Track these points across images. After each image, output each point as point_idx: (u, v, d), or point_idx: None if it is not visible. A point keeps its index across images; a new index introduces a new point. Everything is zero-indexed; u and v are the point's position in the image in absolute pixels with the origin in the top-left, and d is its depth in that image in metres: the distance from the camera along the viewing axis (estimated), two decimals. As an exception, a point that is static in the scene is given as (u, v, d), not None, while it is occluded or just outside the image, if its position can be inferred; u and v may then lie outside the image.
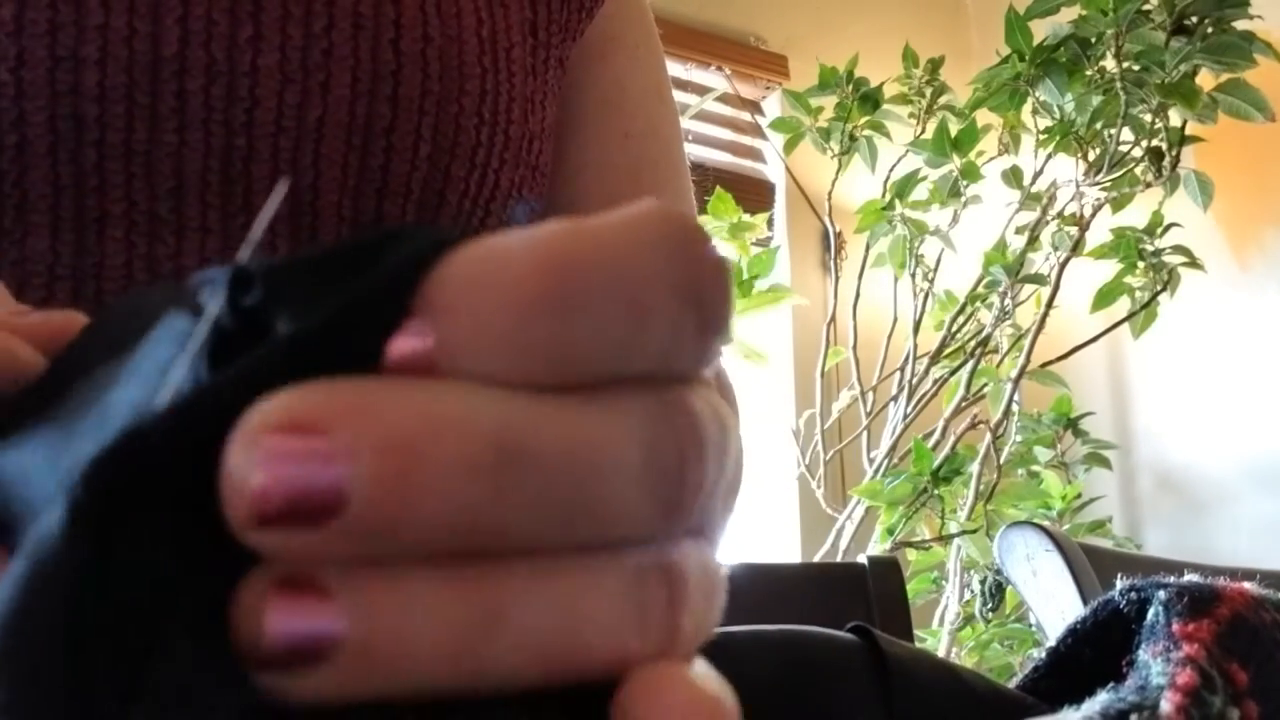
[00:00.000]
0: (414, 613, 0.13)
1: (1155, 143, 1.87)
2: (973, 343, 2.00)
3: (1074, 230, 1.93)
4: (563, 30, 0.51)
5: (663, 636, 0.15)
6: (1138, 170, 1.90)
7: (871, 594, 0.93)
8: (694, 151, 2.23)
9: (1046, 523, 1.49)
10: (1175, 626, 0.21)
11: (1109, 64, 1.84)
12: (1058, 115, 1.91)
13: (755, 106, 2.40)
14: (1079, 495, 1.97)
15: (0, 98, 0.37)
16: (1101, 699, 0.20)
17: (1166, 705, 0.19)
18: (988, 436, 1.90)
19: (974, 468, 1.84)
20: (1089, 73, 1.87)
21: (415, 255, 0.14)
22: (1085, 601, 1.06)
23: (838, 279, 2.25)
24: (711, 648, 0.20)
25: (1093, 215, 1.94)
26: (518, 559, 0.14)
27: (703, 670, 0.15)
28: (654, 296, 0.14)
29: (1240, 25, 1.73)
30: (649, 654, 0.14)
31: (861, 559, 0.97)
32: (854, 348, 2.10)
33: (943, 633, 1.85)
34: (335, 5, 0.41)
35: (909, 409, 2.02)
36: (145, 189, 0.38)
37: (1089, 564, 1.09)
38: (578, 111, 0.52)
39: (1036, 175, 2.00)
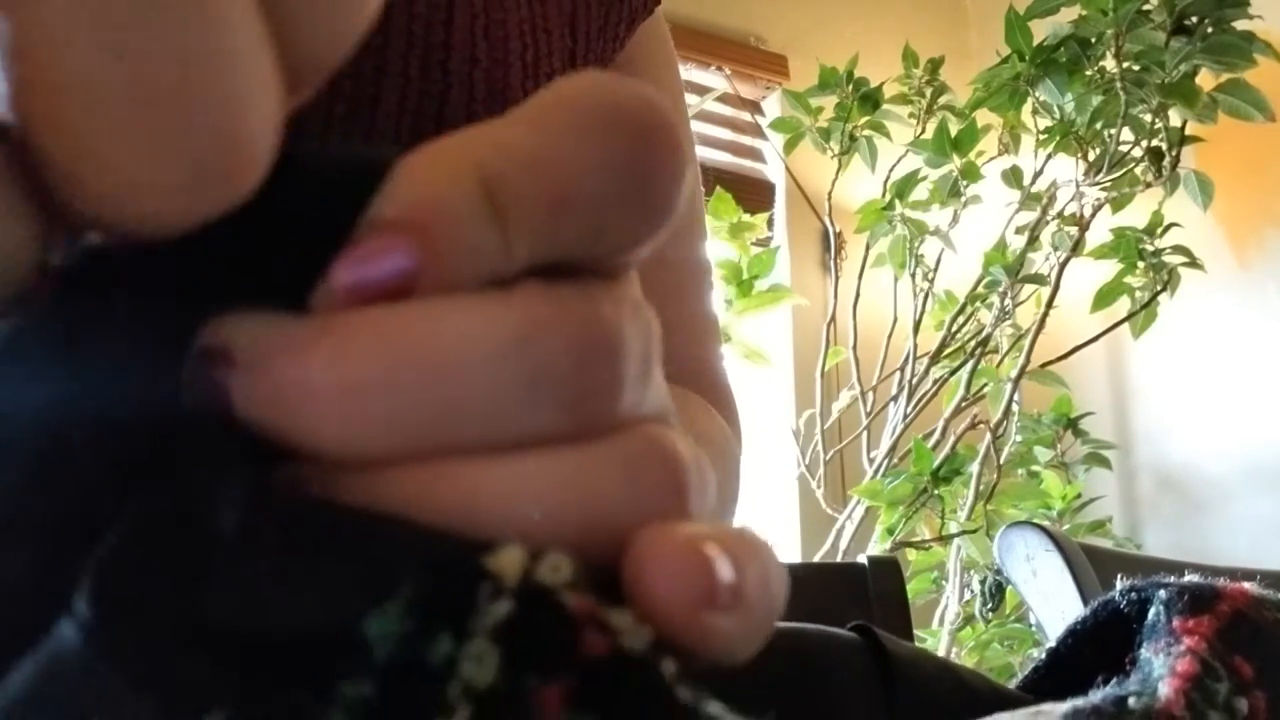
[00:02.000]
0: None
1: (1155, 143, 1.87)
2: (973, 343, 2.00)
3: (1074, 230, 1.93)
4: (598, 60, 0.51)
5: (659, 506, 0.15)
6: (1138, 170, 1.90)
7: (871, 594, 0.93)
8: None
9: (1046, 523, 1.49)
10: (1176, 623, 0.21)
11: (1109, 64, 1.84)
12: (1058, 115, 1.91)
13: (755, 106, 2.40)
14: (1079, 495, 1.97)
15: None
16: (1102, 692, 0.20)
17: (1166, 689, 0.19)
18: (988, 436, 1.90)
19: (974, 468, 1.84)
20: (1089, 73, 1.87)
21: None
22: (1085, 601, 1.06)
23: (838, 279, 2.25)
24: None
25: (1093, 215, 1.94)
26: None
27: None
28: (577, 188, 0.14)
29: (1240, 25, 1.73)
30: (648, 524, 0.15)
31: (861, 559, 0.97)
32: (854, 348, 2.10)
33: (943, 633, 1.85)
34: (390, 22, 0.41)
35: (909, 409, 2.02)
36: None
37: (1089, 564, 1.09)
38: None
39: (1036, 175, 2.00)
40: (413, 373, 0.14)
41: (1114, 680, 0.21)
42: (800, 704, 0.23)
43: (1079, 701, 0.19)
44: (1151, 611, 0.23)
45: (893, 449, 1.98)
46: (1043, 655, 0.29)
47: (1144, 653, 0.22)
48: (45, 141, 0.12)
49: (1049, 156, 1.98)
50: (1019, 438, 2.00)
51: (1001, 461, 1.91)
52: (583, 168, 0.14)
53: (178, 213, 0.13)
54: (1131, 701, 0.18)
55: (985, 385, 1.96)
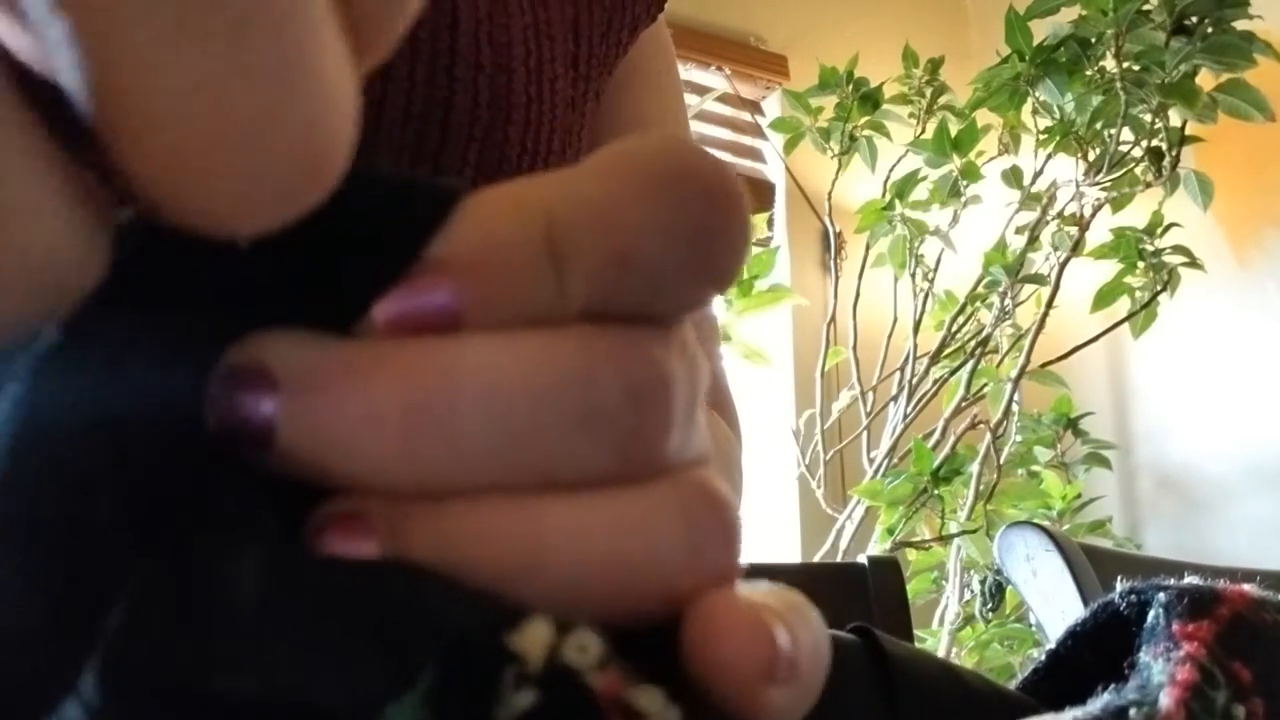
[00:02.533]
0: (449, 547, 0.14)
1: (1155, 143, 1.87)
2: (973, 343, 2.00)
3: (1074, 230, 1.93)
4: (601, 65, 0.51)
5: (715, 558, 0.15)
6: (1138, 170, 1.90)
7: (871, 594, 0.93)
8: (694, 151, 2.22)
9: (1046, 523, 1.49)
10: (1175, 627, 0.21)
11: (1109, 64, 1.84)
12: (1058, 115, 1.91)
13: (755, 106, 2.40)
14: (1079, 495, 1.97)
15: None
16: (1103, 699, 0.20)
17: (1166, 700, 0.19)
18: (988, 436, 1.90)
19: (974, 468, 1.84)
20: (1089, 73, 1.87)
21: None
22: (1085, 602, 1.06)
23: (838, 279, 2.25)
24: None
25: (1093, 215, 1.94)
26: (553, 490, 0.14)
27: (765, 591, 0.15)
28: (639, 246, 0.14)
29: (1240, 25, 1.73)
30: (703, 576, 0.15)
31: (861, 559, 0.97)
32: (854, 348, 2.10)
33: (943, 633, 1.85)
34: None
35: (909, 409, 2.02)
36: None
37: (1089, 564, 1.09)
38: (597, 138, 0.53)
39: (1036, 175, 2.00)
40: (477, 402, 0.13)
41: (1112, 686, 0.21)
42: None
43: (1078, 712, 0.19)
44: (1151, 614, 0.23)
45: (893, 449, 1.98)
46: (1042, 656, 0.29)
47: (1143, 656, 0.22)
48: (131, 157, 0.12)
49: (1049, 156, 1.98)
50: (1019, 438, 2.00)
51: (1001, 461, 1.91)
52: (648, 227, 0.14)
53: (263, 220, 0.12)
54: (1132, 713, 0.18)
55: (985, 385, 1.96)
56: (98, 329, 0.13)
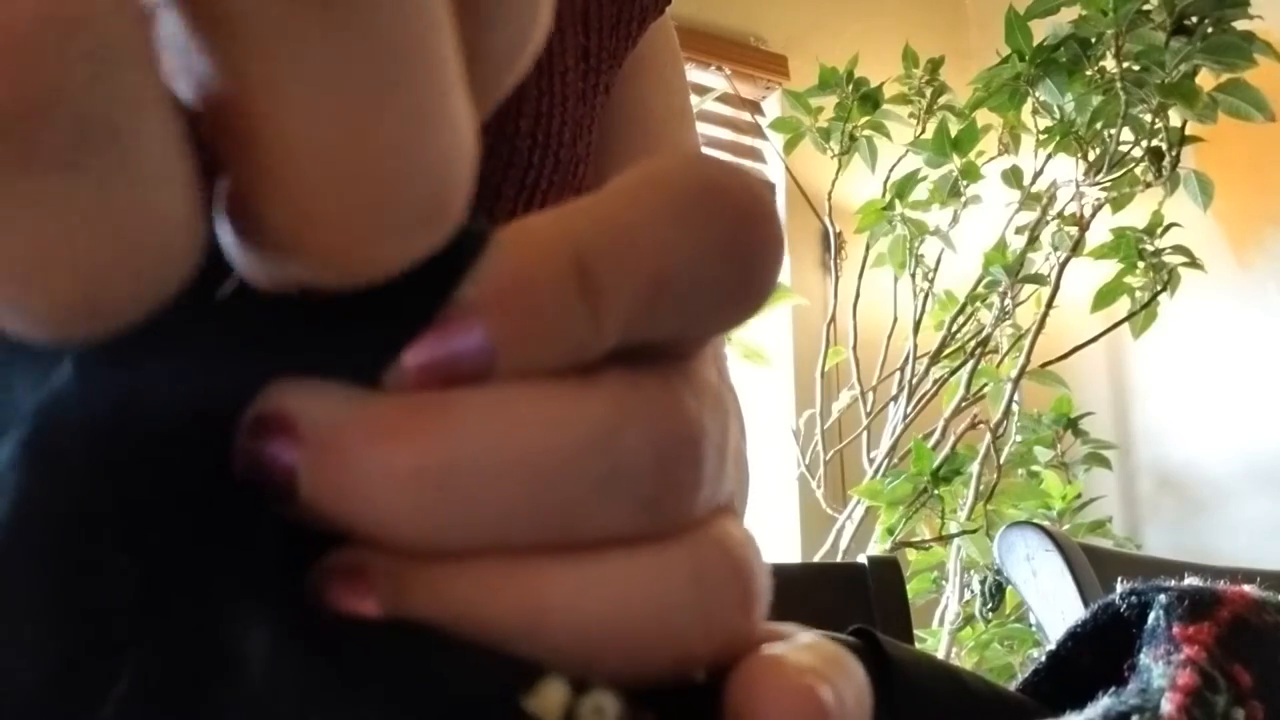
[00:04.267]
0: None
1: (1155, 143, 1.87)
2: (973, 343, 2.00)
3: (1074, 230, 1.93)
4: (611, 57, 0.51)
5: (728, 620, 0.15)
6: (1138, 170, 1.90)
7: (871, 594, 0.93)
8: (694, 151, 2.22)
9: (1046, 523, 1.49)
10: (1176, 630, 0.21)
11: (1109, 64, 1.84)
12: (1058, 115, 1.91)
13: (755, 106, 2.40)
14: (1079, 495, 1.97)
15: None
16: (1103, 703, 0.20)
17: (1168, 706, 0.19)
18: (988, 436, 1.90)
19: (974, 468, 1.84)
20: (1089, 73, 1.87)
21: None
22: (1085, 602, 1.06)
23: (838, 279, 2.25)
24: None
25: (1093, 215, 1.94)
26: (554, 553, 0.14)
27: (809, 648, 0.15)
28: (675, 270, 0.14)
29: (1240, 25, 1.73)
30: (716, 639, 0.14)
31: (861, 559, 0.97)
32: (854, 348, 2.10)
33: (943, 633, 1.85)
34: None
35: (909, 409, 2.02)
36: None
37: (1089, 564, 1.09)
38: (604, 131, 0.53)
39: (1036, 175, 2.00)
40: (499, 463, 0.13)
41: (1112, 690, 0.21)
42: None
43: (1078, 716, 0.19)
44: (1151, 616, 0.23)
45: (893, 449, 1.98)
46: (1042, 657, 0.29)
47: (1143, 659, 0.22)
48: (262, 194, 0.12)
49: (1049, 156, 1.98)
50: (1019, 438, 2.00)
51: (1001, 461, 1.91)
52: (682, 250, 0.14)
53: (382, 265, 0.12)
54: (1134, 719, 0.18)
55: (985, 385, 1.96)
56: (119, 364, 0.13)
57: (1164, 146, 1.86)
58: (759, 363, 1.97)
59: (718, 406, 0.15)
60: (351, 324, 0.13)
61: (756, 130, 2.37)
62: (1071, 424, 2.04)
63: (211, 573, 0.13)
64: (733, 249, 0.14)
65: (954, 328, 2.04)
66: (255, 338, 0.13)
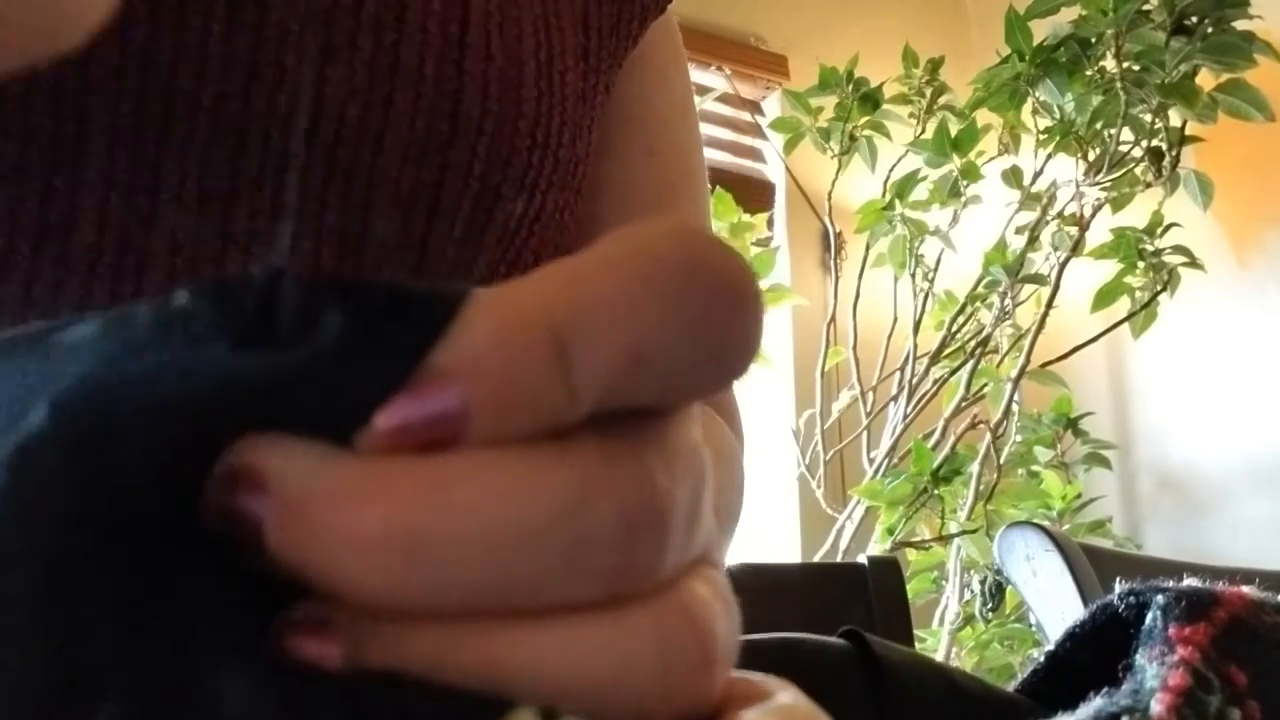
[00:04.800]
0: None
1: (1155, 143, 1.87)
2: (973, 343, 2.00)
3: (1074, 230, 1.93)
4: (611, 57, 0.51)
5: (688, 683, 0.15)
6: (1138, 170, 1.90)
7: (871, 594, 0.93)
8: (694, 151, 2.23)
9: (1046, 523, 1.49)
10: (1172, 630, 0.22)
11: (1109, 64, 1.84)
12: (1058, 115, 1.91)
13: (755, 106, 2.40)
14: (1079, 495, 1.97)
15: (64, 90, 0.37)
16: (1095, 703, 0.20)
17: (1157, 707, 0.19)
18: (988, 436, 1.90)
19: (974, 468, 1.84)
20: (1089, 73, 1.87)
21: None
22: (1085, 602, 1.06)
23: (838, 279, 2.25)
24: None
25: (1093, 215, 1.94)
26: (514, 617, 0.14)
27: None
28: (652, 345, 0.14)
29: (1240, 25, 1.73)
30: (675, 701, 0.15)
31: (861, 559, 0.97)
32: (854, 348, 2.10)
33: (943, 633, 1.85)
34: (404, 21, 0.41)
35: (909, 409, 2.02)
36: (196, 190, 0.38)
37: (1089, 564, 1.09)
38: (604, 129, 0.53)
39: (1036, 175, 2.00)
40: (465, 532, 0.13)
41: (1105, 690, 0.21)
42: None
43: (1070, 717, 0.19)
44: (1149, 617, 0.23)
45: (893, 449, 1.98)
46: (1041, 658, 0.29)
47: (1138, 659, 0.22)
48: None
49: (1049, 156, 1.98)
50: (1019, 438, 2.00)
51: (1001, 461, 1.91)
52: (661, 329, 0.14)
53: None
54: (1124, 719, 0.18)
55: (985, 385, 1.96)
56: (93, 408, 0.13)
57: (1164, 146, 1.86)
58: (759, 363, 1.97)
59: (689, 471, 0.15)
60: (325, 382, 0.13)
61: (756, 130, 2.37)
62: (1071, 424, 2.04)
63: (188, 618, 0.13)
64: (712, 327, 0.14)
65: (954, 328, 2.04)
66: (231, 389, 0.13)
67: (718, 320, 0.14)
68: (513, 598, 0.14)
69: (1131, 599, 0.25)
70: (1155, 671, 0.20)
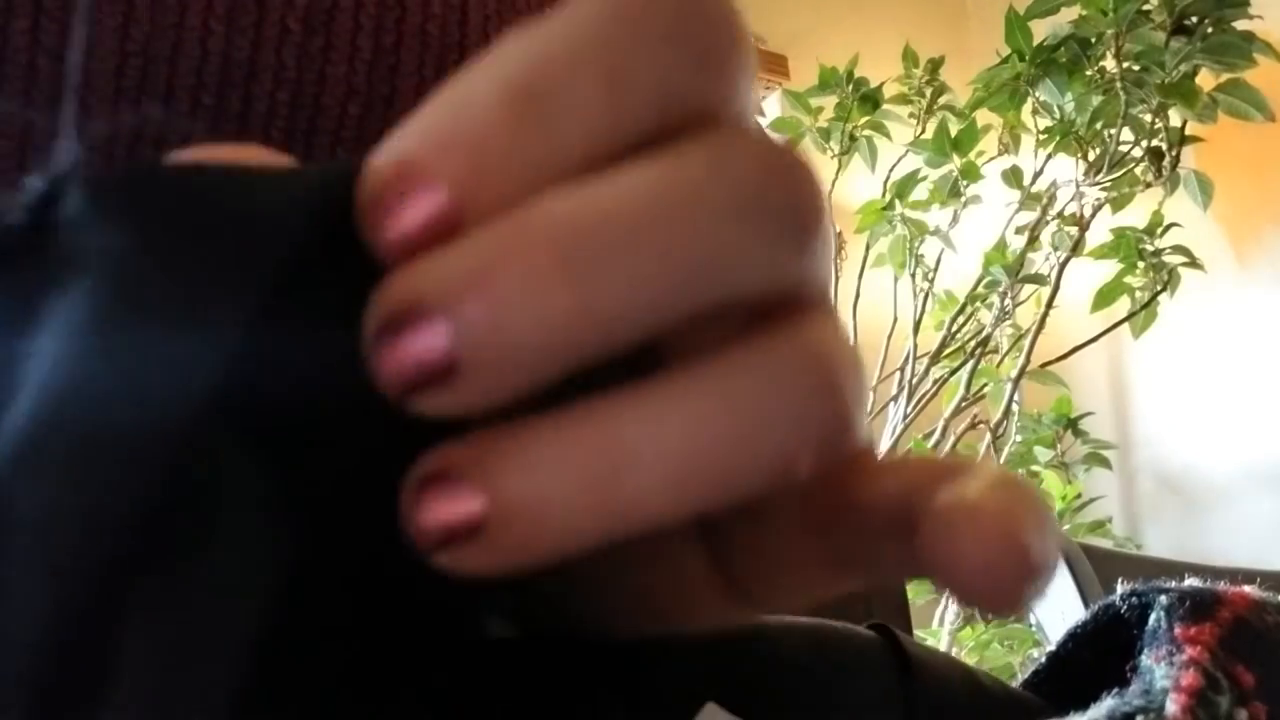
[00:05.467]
0: (540, 474, 0.13)
1: (1155, 143, 1.87)
2: (973, 343, 2.00)
3: (1074, 230, 1.93)
4: None
5: (827, 430, 0.15)
6: (1138, 170, 1.90)
7: (871, 594, 0.93)
8: (694, 151, 2.22)
9: (1046, 523, 1.49)
10: (1178, 630, 0.21)
11: (1109, 64, 1.84)
12: (1058, 115, 1.91)
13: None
14: (1079, 495, 1.97)
15: (63, 89, 0.37)
16: (1107, 704, 0.20)
17: (1172, 707, 0.19)
18: (988, 436, 1.90)
19: (974, 468, 1.84)
20: (1089, 73, 1.87)
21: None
22: (1085, 602, 1.06)
23: (838, 279, 2.25)
24: (749, 631, 0.20)
25: (1093, 215, 1.94)
26: (633, 389, 0.14)
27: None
28: (631, 61, 0.14)
29: (1240, 25, 1.73)
30: (821, 453, 0.14)
31: (861, 559, 0.97)
32: (854, 348, 2.10)
33: (943, 633, 1.85)
34: (404, 22, 0.41)
35: (909, 409, 2.02)
36: None
37: (1089, 564, 1.09)
38: None
39: (1036, 175, 2.00)
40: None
41: (1115, 691, 0.21)
42: (825, 694, 0.24)
43: (1081, 718, 0.19)
44: (1152, 617, 0.23)
45: (893, 449, 1.98)
46: (1042, 658, 0.29)
47: (1145, 660, 0.22)
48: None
49: (1049, 156, 1.97)
50: (1019, 438, 2.00)
51: (1002, 461, 1.91)
52: (632, 45, 0.14)
53: None
54: (1138, 719, 0.18)
55: (985, 385, 1.96)
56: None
57: (1164, 146, 1.86)
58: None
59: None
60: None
61: (756, 130, 2.37)
62: (1071, 424, 2.04)
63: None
64: (687, 22, 0.14)
65: (954, 328, 2.04)
66: None
67: (691, 13, 0.14)
68: (705, 282, 0.14)
69: (1134, 599, 0.25)
70: (1164, 672, 0.20)
